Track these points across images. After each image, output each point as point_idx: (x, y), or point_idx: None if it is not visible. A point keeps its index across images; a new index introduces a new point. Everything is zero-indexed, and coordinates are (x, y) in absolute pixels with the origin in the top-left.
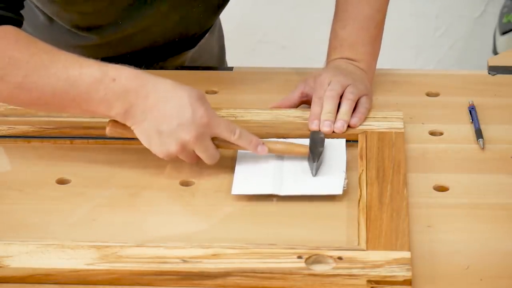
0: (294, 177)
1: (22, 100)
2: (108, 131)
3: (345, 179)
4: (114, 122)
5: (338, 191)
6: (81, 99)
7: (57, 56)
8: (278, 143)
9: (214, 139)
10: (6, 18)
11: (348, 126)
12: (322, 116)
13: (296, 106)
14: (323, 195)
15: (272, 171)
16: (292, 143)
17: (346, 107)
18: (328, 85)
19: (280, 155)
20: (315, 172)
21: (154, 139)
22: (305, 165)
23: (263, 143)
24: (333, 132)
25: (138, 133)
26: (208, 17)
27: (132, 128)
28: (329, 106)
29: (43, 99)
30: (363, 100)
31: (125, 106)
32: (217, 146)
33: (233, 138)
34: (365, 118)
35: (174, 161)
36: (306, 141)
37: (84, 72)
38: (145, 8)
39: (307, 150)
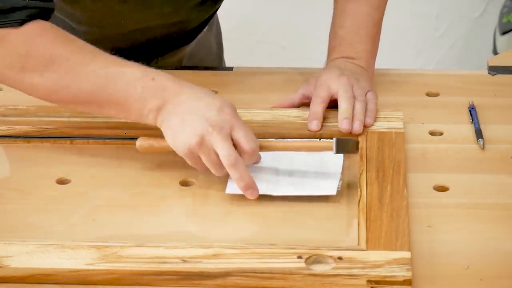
0: (288, 178)
1: (60, 97)
2: (138, 143)
3: (340, 179)
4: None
5: (332, 191)
6: (118, 96)
7: (97, 55)
8: (299, 141)
9: None
10: (39, 9)
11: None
12: (341, 114)
13: (296, 106)
14: (317, 195)
15: (266, 171)
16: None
17: (358, 108)
18: (331, 86)
19: (276, 155)
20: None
21: (177, 131)
22: (300, 165)
23: (254, 188)
24: (351, 133)
25: (164, 129)
26: (207, 11)
27: (161, 125)
28: (345, 104)
29: (81, 97)
30: (370, 97)
31: (160, 102)
32: None
33: (226, 163)
34: (376, 115)
35: (194, 161)
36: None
37: (124, 71)
38: (148, 10)
39: (330, 144)
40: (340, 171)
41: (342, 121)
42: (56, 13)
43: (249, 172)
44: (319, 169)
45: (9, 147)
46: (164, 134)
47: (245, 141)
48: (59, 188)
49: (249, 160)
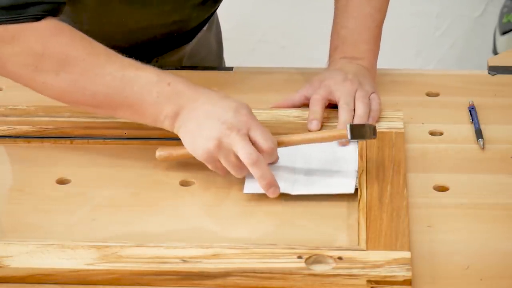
0: (306, 176)
1: (75, 98)
2: (157, 153)
3: (357, 177)
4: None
5: (350, 190)
6: (133, 99)
7: (113, 57)
8: (313, 133)
9: None
10: (54, 4)
11: None
12: (339, 126)
13: (297, 107)
14: (335, 194)
15: (283, 169)
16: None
17: (362, 110)
18: (334, 91)
19: (292, 154)
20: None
21: (195, 136)
22: (316, 163)
23: (276, 185)
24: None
25: (183, 136)
26: (207, 11)
27: (179, 132)
28: (345, 116)
29: (96, 98)
30: (373, 97)
31: (175, 108)
32: None
33: (247, 161)
34: (379, 117)
35: (214, 164)
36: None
37: (139, 74)
38: (148, 9)
39: (345, 132)
40: (357, 168)
41: None
42: None
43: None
44: (335, 167)
45: (9, 147)
46: (183, 140)
47: (263, 141)
48: (59, 188)
49: (268, 159)
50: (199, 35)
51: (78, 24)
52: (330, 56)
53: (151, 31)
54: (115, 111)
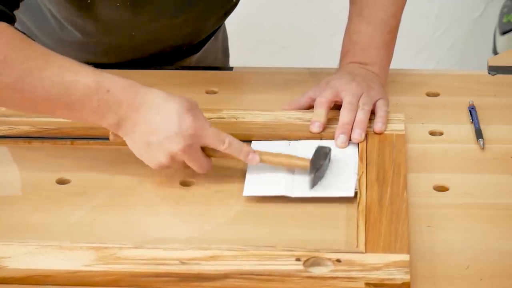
0: (305, 179)
1: (13, 101)
2: (111, 137)
3: (356, 180)
4: None
5: (350, 193)
6: (73, 106)
7: (52, 60)
8: (279, 156)
9: (205, 148)
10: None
11: (374, 133)
12: (339, 128)
13: (305, 109)
14: (335, 197)
15: (284, 172)
16: (293, 156)
17: (361, 116)
18: (340, 91)
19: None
20: (312, 185)
21: (144, 151)
22: None
23: (254, 152)
24: (350, 141)
25: (129, 145)
26: (217, 24)
27: (124, 138)
28: (346, 117)
29: (35, 102)
30: (380, 104)
31: (117, 118)
32: (209, 155)
33: (222, 148)
34: (388, 121)
35: (167, 169)
36: (309, 147)
37: (78, 80)
38: (159, 22)
39: (307, 163)
40: (356, 171)
41: (338, 136)
42: (69, 25)
43: (266, 171)
44: (335, 169)
45: (10, 147)
46: (130, 148)
47: (217, 145)
48: (59, 188)
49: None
50: (207, 45)
51: (88, 37)
52: (341, 60)
53: (161, 44)
54: (54, 114)
